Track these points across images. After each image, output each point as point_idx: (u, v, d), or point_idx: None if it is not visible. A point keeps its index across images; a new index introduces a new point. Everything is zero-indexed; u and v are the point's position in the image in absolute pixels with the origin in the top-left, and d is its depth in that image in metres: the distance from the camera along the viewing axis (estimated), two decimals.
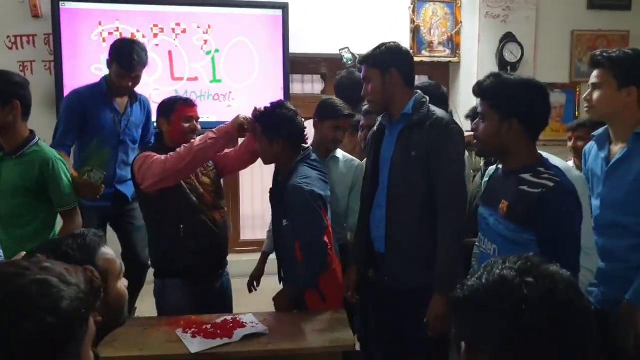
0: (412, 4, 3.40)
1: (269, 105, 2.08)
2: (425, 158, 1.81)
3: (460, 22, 3.44)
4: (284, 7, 3.10)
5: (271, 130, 2.03)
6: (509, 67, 3.35)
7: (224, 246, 2.22)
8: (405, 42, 3.39)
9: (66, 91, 2.93)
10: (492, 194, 1.57)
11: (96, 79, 2.96)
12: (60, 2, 2.90)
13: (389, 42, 1.92)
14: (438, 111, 1.88)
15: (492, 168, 1.72)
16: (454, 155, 1.83)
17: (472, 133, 1.70)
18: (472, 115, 2.57)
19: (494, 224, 1.51)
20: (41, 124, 2.96)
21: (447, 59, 3.48)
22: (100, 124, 2.42)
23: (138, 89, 2.58)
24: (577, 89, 3.50)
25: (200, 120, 2.18)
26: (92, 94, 2.44)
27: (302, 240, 1.97)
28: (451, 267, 1.76)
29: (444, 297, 1.71)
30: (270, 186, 2.18)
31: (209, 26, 3.08)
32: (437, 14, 3.42)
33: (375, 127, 2.04)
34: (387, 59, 1.87)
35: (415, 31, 3.40)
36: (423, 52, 3.43)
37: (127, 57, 2.35)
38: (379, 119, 2.01)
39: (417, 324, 1.79)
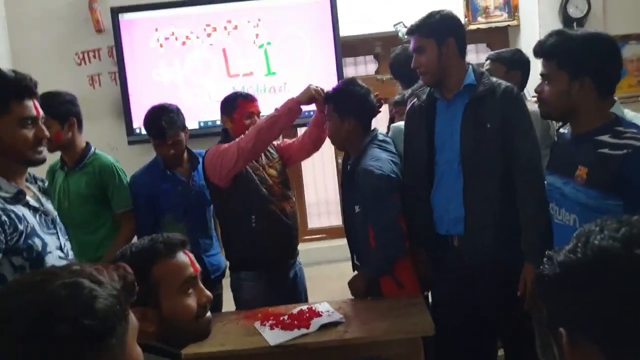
0: None
1: (341, 82, 2.07)
2: (501, 129, 1.74)
3: None
4: None
5: (343, 108, 1.98)
6: (574, 24, 3.12)
7: (295, 236, 2.26)
8: (460, 10, 3.23)
9: (132, 99, 3.10)
10: (564, 161, 1.46)
11: (159, 85, 3.11)
12: (119, 15, 3.03)
13: (443, 10, 1.84)
14: (503, 82, 1.80)
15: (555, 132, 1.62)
16: (529, 125, 1.76)
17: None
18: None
19: (571, 192, 1.41)
20: (111, 131, 3.16)
21: (506, 24, 3.29)
22: (167, 200, 2.21)
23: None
24: None
25: (261, 114, 2.21)
26: (151, 173, 2.25)
27: (376, 226, 1.93)
28: (541, 236, 1.67)
29: (536, 266, 1.68)
30: (341, 172, 2.16)
31: (259, 20, 3.10)
32: None
33: (421, 103, 1.93)
34: (444, 28, 1.79)
35: None
36: (479, 18, 3.26)
37: (156, 127, 2.14)
38: (423, 96, 1.92)
39: (506, 299, 1.76)
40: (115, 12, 3.03)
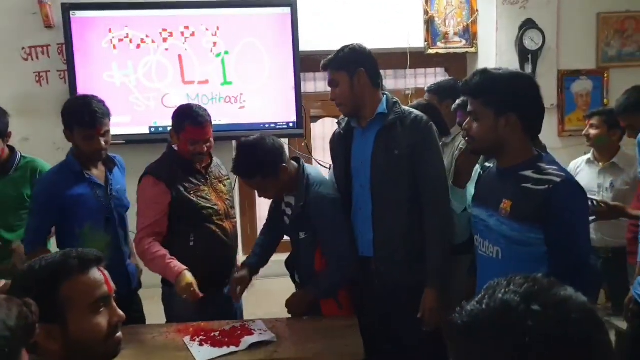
0: None
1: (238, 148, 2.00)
2: (409, 156, 1.83)
3: (477, 10, 3.31)
4: (292, 5, 3.04)
5: (263, 168, 1.92)
6: (530, 56, 3.21)
7: (233, 255, 2.22)
8: (420, 35, 3.29)
9: None
10: (489, 194, 1.50)
11: (110, 86, 3.01)
12: (71, 12, 2.93)
13: (351, 44, 1.92)
14: (414, 110, 1.91)
15: (477, 168, 1.67)
16: (436, 152, 1.87)
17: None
18: (461, 104, 2.37)
19: (495, 224, 1.45)
20: (57, 131, 3.02)
21: (464, 50, 3.35)
22: (84, 207, 2.01)
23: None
24: (605, 75, 3.32)
25: (215, 124, 2.14)
26: (63, 176, 2.02)
27: (331, 252, 1.94)
28: (442, 261, 1.83)
29: (436, 290, 1.81)
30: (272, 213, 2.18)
31: (217, 28, 3.05)
32: (451, 4, 3.29)
33: (340, 131, 2.02)
34: (353, 60, 1.88)
35: (429, 23, 3.28)
36: (438, 44, 3.31)
37: (88, 113, 1.95)
38: (342, 123, 2.02)
39: (412, 321, 1.83)
40: (67, 8, 2.92)
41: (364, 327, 1.87)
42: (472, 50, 3.35)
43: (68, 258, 1.04)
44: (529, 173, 1.38)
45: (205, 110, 2.09)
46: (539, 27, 3.21)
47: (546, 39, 3.21)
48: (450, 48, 3.33)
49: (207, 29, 3.05)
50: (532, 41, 3.23)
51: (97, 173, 2.10)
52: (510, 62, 3.19)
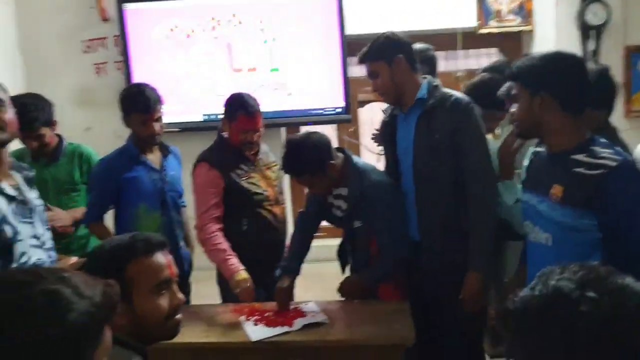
0: None
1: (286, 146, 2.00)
2: (449, 140, 1.80)
3: None
4: None
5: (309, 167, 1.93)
6: (592, 32, 3.03)
7: (283, 239, 2.26)
8: (471, 13, 3.17)
9: None
10: (539, 179, 1.46)
11: (163, 76, 3.11)
12: (124, 4, 3.04)
13: (384, 32, 1.90)
14: (456, 92, 1.87)
15: (531, 150, 1.60)
16: (478, 134, 1.83)
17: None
18: (505, 93, 2.39)
19: (545, 210, 1.40)
20: (116, 119, 3.16)
21: (519, 28, 3.21)
22: (140, 188, 2.13)
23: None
24: None
25: (263, 111, 2.17)
26: (122, 159, 2.15)
27: (386, 238, 1.95)
28: (485, 244, 1.80)
29: (479, 274, 1.80)
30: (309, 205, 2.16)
31: (264, 15, 3.08)
32: None
33: (386, 118, 2.02)
34: (391, 48, 1.85)
35: (481, 0, 3.17)
36: (491, 22, 3.18)
37: (142, 100, 2.08)
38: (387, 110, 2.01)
39: (454, 306, 1.81)
40: (120, 1, 3.03)
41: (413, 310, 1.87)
42: (528, 28, 3.20)
43: (135, 241, 1.11)
44: (581, 157, 1.33)
45: (255, 99, 2.13)
46: (603, 0, 3.03)
47: (612, 13, 3.02)
48: (503, 27, 3.20)
49: (254, 17, 3.08)
50: (595, 16, 3.04)
51: (153, 158, 2.20)
52: (570, 40, 3.03)
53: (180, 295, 1.14)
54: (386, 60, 1.85)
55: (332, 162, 1.95)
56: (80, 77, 3.26)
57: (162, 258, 1.13)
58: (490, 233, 1.80)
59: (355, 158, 2.04)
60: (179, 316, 1.14)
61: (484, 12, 3.18)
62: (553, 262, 1.40)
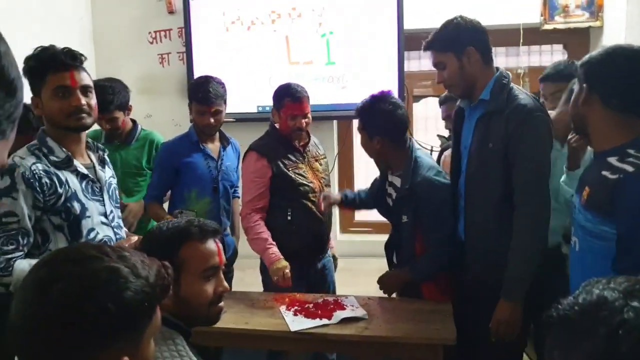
0: None
1: (368, 98, 2.01)
2: (503, 151, 1.64)
3: None
4: None
5: (370, 126, 1.97)
6: None
7: (327, 232, 2.29)
8: (535, 8, 3.05)
9: None
10: (583, 178, 1.39)
11: (222, 67, 3.20)
12: None
13: (455, 18, 1.72)
14: (521, 96, 1.66)
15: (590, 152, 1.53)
16: (534, 147, 1.62)
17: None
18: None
19: (576, 213, 1.33)
20: (176, 108, 3.32)
21: (587, 24, 3.05)
22: (195, 173, 2.26)
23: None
24: None
25: (317, 104, 2.21)
26: (183, 144, 2.29)
27: (432, 237, 1.93)
28: (522, 272, 1.63)
29: (511, 303, 1.61)
30: (378, 185, 2.17)
31: (323, 9, 3.09)
32: None
33: (456, 109, 1.91)
34: (461, 38, 1.68)
35: None
36: (557, 18, 3.04)
37: (203, 92, 2.18)
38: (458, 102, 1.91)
39: (493, 309, 1.68)
40: None
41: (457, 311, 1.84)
42: (597, 24, 3.03)
43: (190, 225, 1.16)
44: (613, 159, 1.23)
45: (302, 87, 2.19)
46: None
47: None
48: (570, 22, 3.04)
49: (313, 10, 3.11)
50: None
51: (212, 147, 2.32)
52: None
53: (225, 284, 1.18)
54: (455, 52, 1.69)
55: (382, 138, 1.93)
56: (145, 67, 3.42)
57: (214, 245, 1.16)
58: (529, 257, 1.62)
59: (418, 152, 2.00)
60: (221, 304, 1.17)
61: (549, 6, 3.04)
62: (578, 269, 1.33)
